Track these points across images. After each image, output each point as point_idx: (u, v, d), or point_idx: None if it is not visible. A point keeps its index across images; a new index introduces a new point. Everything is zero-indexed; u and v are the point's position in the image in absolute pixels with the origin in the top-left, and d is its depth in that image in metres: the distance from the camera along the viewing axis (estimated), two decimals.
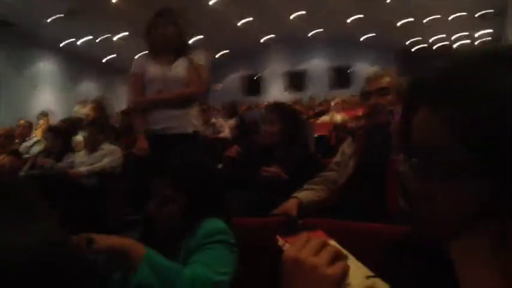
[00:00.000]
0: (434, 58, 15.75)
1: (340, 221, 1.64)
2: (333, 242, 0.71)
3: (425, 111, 0.62)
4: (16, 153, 4.77)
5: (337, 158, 2.36)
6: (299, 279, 0.64)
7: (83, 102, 13.28)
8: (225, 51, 17.78)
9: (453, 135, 0.57)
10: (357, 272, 0.67)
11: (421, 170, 0.62)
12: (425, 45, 17.27)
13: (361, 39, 17.24)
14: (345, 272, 0.63)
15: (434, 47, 17.19)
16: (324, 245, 0.66)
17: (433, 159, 0.60)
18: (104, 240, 1.28)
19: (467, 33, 15.67)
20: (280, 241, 0.78)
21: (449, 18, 13.90)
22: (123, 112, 7.79)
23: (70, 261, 0.49)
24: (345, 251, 0.70)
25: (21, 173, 4.17)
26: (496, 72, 0.56)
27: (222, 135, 5.73)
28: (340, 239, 0.75)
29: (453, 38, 16.24)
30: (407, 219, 1.74)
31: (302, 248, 0.66)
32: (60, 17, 12.79)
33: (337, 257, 0.65)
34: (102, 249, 1.26)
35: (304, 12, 14.42)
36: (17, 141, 5.37)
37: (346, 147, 2.35)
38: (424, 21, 14.36)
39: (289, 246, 0.71)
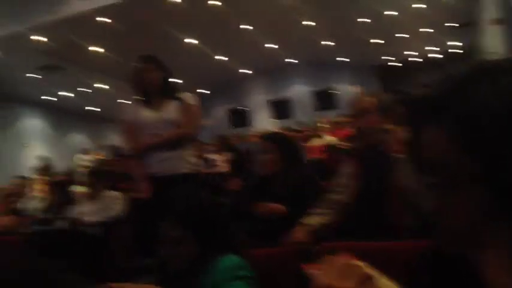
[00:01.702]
0: (415, 71, 16.06)
1: (353, 243, 1.66)
2: (358, 262, 0.71)
3: (433, 128, 0.64)
4: (15, 212, 4.74)
5: (339, 179, 2.39)
6: None
7: (84, 151, 13.49)
8: (206, 87, 17.93)
9: (458, 148, 0.59)
10: None
11: (434, 185, 0.65)
12: (400, 60, 17.54)
13: (337, 59, 17.48)
14: None
15: (411, 60, 17.45)
16: (352, 268, 0.66)
17: (444, 173, 0.62)
18: None
19: (437, 47, 16.02)
20: (307, 269, 0.79)
21: (420, 30, 14.19)
22: (115, 159, 7.81)
23: None
24: (371, 270, 0.70)
25: (25, 231, 4.14)
26: (494, 85, 0.59)
27: (216, 169, 5.75)
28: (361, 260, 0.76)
29: (426, 48, 16.53)
30: (415, 234, 1.78)
31: (331, 274, 0.66)
32: (40, 72, 12.87)
33: (366, 279, 0.66)
34: None
35: (277, 40, 14.64)
36: (13, 199, 5.32)
37: (345, 168, 2.38)
38: (396, 35, 14.63)
39: (319, 274, 0.72)
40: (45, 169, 7.77)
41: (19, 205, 5.21)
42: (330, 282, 0.65)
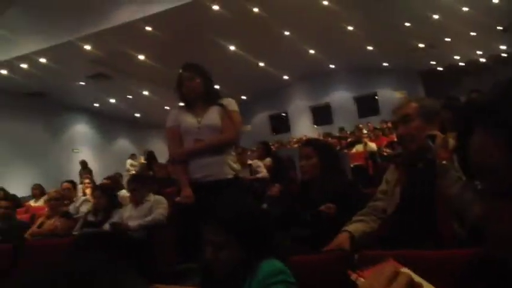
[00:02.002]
0: (464, 76, 15.61)
1: (398, 251, 1.63)
2: (405, 270, 0.70)
3: (481, 133, 0.63)
4: (67, 215, 4.93)
5: (382, 186, 2.36)
6: None
7: (133, 157, 14.08)
8: (248, 93, 18.05)
9: (508, 153, 0.58)
10: None
11: (486, 191, 0.63)
12: (447, 64, 17.09)
13: (384, 64, 17.20)
14: None
15: (461, 64, 16.97)
16: (397, 275, 0.65)
17: (496, 179, 0.61)
18: None
19: (485, 51, 15.51)
20: (353, 276, 0.79)
21: (467, 34, 13.79)
22: (161, 164, 8.00)
23: None
24: (418, 278, 0.70)
25: (74, 233, 4.30)
26: None
27: (260, 175, 5.78)
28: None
29: (474, 52, 16.03)
30: (463, 243, 1.74)
31: (378, 281, 0.65)
32: (89, 80, 13.34)
33: (411, 286, 0.65)
34: None
35: (321, 46, 14.57)
36: (65, 202, 5.54)
37: (390, 175, 2.35)
38: (446, 39, 14.27)
39: (364, 281, 0.72)
40: (90, 173, 8.05)
41: (69, 208, 5.42)
42: None
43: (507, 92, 0.63)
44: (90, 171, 8.28)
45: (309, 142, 3.06)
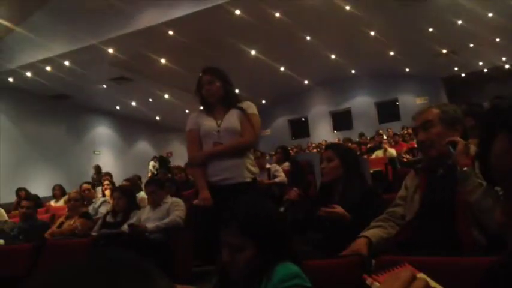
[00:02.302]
0: (487, 82, 15.38)
1: (416, 257, 1.61)
2: (422, 275, 0.69)
3: (503, 139, 0.62)
4: (86, 215, 5.00)
5: (402, 192, 2.34)
6: None
7: (156, 159, 14.38)
8: (268, 97, 18.06)
9: None
10: None
11: (506, 196, 0.62)
12: (472, 71, 16.85)
13: (406, 70, 17.04)
14: None
15: (485, 71, 16.71)
16: (413, 280, 0.64)
17: None
18: None
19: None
20: (368, 280, 0.78)
21: (497, 40, 13.57)
22: (180, 167, 8.07)
23: None
24: (435, 284, 0.68)
25: (93, 233, 4.35)
26: None
27: (278, 179, 5.77)
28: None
29: (500, 58, 15.77)
30: (483, 250, 1.70)
31: (391, 285, 0.64)
32: (111, 83, 13.53)
33: None
34: None
35: (343, 52, 14.52)
36: (85, 203, 5.62)
37: (409, 181, 2.32)
38: (471, 45, 14.07)
39: (379, 285, 0.71)
40: (110, 176, 8.15)
41: (88, 209, 5.49)
42: None
43: None
44: (109, 174, 8.38)
45: (330, 146, 3.15)
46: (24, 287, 0.45)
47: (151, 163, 14.46)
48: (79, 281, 0.45)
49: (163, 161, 11.20)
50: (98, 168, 12.25)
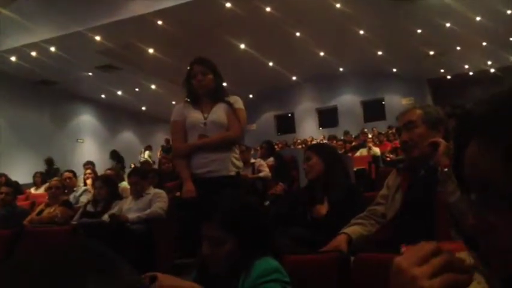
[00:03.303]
0: (472, 85, 15.54)
1: (393, 255, 1.62)
2: (463, 254, 0.66)
3: (476, 144, 0.62)
4: (67, 204, 4.94)
5: (383, 191, 2.36)
6: (397, 286, 0.61)
7: (149, 148, 14.40)
8: (254, 92, 18.05)
9: (508, 165, 0.57)
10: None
11: (479, 203, 0.62)
12: (458, 73, 17.05)
13: (393, 70, 17.17)
14: (445, 287, 0.58)
15: (470, 74, 16.90)
16: (435, 254, 0.61)
17: (490, 191, 0.59)
18: (166, 280, 1.33)
19: (498, 63, 15.45)
20: (403, 249, 0.77)
21: (484, 44, 13.73)
22: (165, 158, 8.03)
23: None
24: (470, 263, 0.65)
25: (73, 222, 4.31)
26: None
27: (262, 174, 5.77)
28: None
29: (488, 63, 15.97)
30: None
31: (410, 256, 0.61)
32: (97, 71, 13.39)
33: (446, 270, 0.59)
34: None
35: (332, 49, 14.57)
36: (66, 191, 5.55)
37: (391, 181, 2.35)
38: (457, 48, 14.22)
39: (403, 251, 0.69)
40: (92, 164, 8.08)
41: (69, 197, 5.43)
42: (401, 264, 0.61)
43: (503, 103, 0.61)
44: (92, 163, 8.30)
45: (312, 145, 3.36)
46: None
47: (147, 152, 14.42)
48: (41, 270, 0.45)
49: (115, 155, 11.03)
50: (49, 162, 11.66)
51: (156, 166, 9.96)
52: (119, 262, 0.50)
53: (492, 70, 16.44)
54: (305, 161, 2.94)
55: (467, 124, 0.66)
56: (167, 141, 14.96)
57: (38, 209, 4.99)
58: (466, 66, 16.56)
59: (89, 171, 6.79)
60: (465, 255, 0.66)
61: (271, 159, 6.58)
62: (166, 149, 13.41)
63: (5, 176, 8.27)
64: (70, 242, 0.52)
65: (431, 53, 14.77)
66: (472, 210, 0.64)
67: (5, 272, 0.46)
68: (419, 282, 0.58)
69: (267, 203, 3.07)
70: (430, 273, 0.59)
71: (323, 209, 2.69)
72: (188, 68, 3.12)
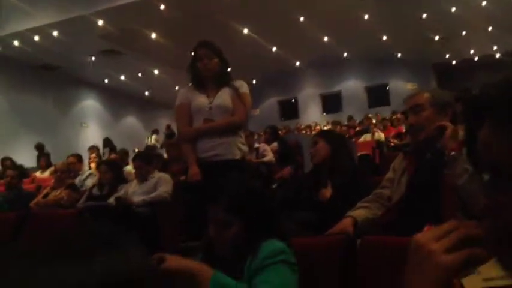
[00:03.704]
0: (478, 71, 15.43)
1: (399, 238, 1.64)
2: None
3: (490, 126, 0.61)
4: (72, 187, 4.98)
5: (389, 174, 2.36)
6: (415, 263, 0.62)
7: (156, 132, 14.45)
8: (258, 77, 17.94)
9: None
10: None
11: (492, 184, 0.62)
12: (463, 59, 16.90)
13: (396, 55, 17.03)
14: (462, 262, 0.58)
15: (476, 59, 16.76)
16: (454, 230, 0.61)
17: (504, 172, 0.59)
18: (174, 261, 1.34)
19: (504, 48, 15.30)
20: (426, 228, 0.77)
21: (489, 29, 13.59)
22: (170, 142, 8.05)
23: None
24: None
25: (79, 205, 4.34)
26: None
27: (266, 159, 5.78)
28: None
29: (494, 48, 15.82)
30: None
31: (429, 232, 0.63)
32: (100, 56, 13.34)
33: (463, 245, 0.60)
34: (171, 269, 1.32)
35: (336, 34, 14.44)
36: (71, 175, 5.59)
37: (397, 164, 2.35)
38: (463, 33, 14.08)
39: (426, 229, 0.70)
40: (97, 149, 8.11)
41: (74, 181, 5.47)
42: (419, 239, 0.63)
43: None
44: (96, 147, 8.33)
45: (319, 131, 3.32)
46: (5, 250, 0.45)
47: (154, 136, 14.45)
48: (54, 249, 0.45)
49: (108, 143, 10.99)
50: (40, 147, 11.13)
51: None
52: (128, 241, 0.50)
53: (497, 55, 16.31)
54: (312, 145, 2.98)
55: (480, 106, 0.66)
56: (168, 127, 14.97)
57: (44, 192, 5.03)
58: (472, 51, 16.41)
59: (93, 155, 6.82)
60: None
61: (275, 144, 6.58)
62: (168, 135, 13.42)
63: (11, 159, 8.31)
64: (79, 222, 0.52)
65: (437, 37, 14.64)
66: (485, 191, 0.63)
67: (16, 248, 0.46)
68: (436, 258, 0.59)
69: (274, 185, 3.07)
70: (447, 247, 0.59)
71: (327, 192, 2.71)
72: (193, 51, 3.10)
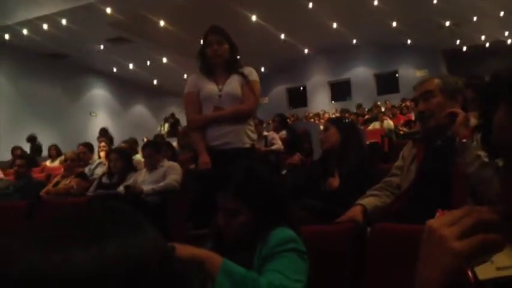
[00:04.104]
0: (489, 57, 15.24)
1: (409, 226, 1.63)
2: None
3: (505, 109, 0.61)
4: (82, 176, 5.01)
5: (399, 162, 2.35)
6: (428, 247, 0.61)
7: (167, 120, 14.45)
8: (267, 65, 17.86)
9: None
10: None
11: (506, 168, 0.61)
12: (474, 44, 16.68)
13: (406, 42, 16.85)
14: (474, 248, 0.57)
15: (486, 45, 16.53)
16: (466, 216, 0.60)
17: None
18: (184, 250, 1.34)
19: None
20: (438, 214, 0.77)
21: (501, 15, 13.39)
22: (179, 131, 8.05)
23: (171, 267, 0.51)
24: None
25: (88, 194, 4.38)
26: None
27: (274, 147, 5.77)
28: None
29: (505, 33, 15.58)
30: None
31: (442, 217, 0.62)
32: (109, 44, 13.34)
33: (477, 230, 0.59)
34: (182, 258, 1.32)
35: (345, 21, 14.32)
36: (81, 163, 5.62)
37: (407, 152, 2.33)
38: (474, 19, 13.88)
39: (437, 216, 0.69)
40: (109, 137, 8.14)
41: (84, 170, 5.50)
42: (432, 224, 0.62)
43: None
44: (108, 136, 8.37)
45: (329, 119, 3.28)
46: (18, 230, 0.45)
47: (167, 125, 14.44)
48: (69, 225, 0.45)
49: (104, 133, 10.85)
50: (32, 139, 10.85)
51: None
52: (145, 221, 0.50)
53: (509, 41, 16.09)
54: (323, 132, 2.97)
55: (496, 89, 0.65)
56: (172, 115, 14.94)
57: (54, 181, 5.06)
58: (483, 38, 16.19)
59: (103, 144, 6.84)
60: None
61: (283, 132, 6.57)
62: (172, 123, 13.39)
63: (21, 148, 8.39)
64: (94, 204, 0.52)
65: (447, 23, 14.45)
66: (500, 176, 0.63)
67: (33, 225, 0.46)
68: (448, 243, 0.58)
69: (284, 171, 3.06)
70: (459, 233, 0.58)
71: (335, 182, 2.70)
72: (202, 37, 3.07)
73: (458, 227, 0.59)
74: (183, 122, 10.06)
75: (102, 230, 0.44)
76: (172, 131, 13.42)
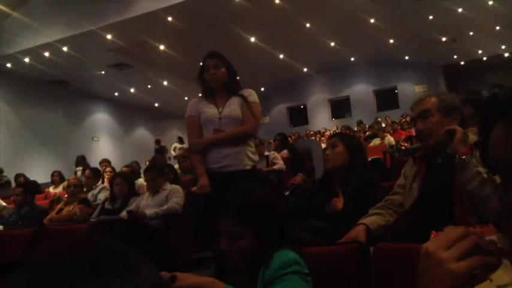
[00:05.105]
0: (487, 71, 15.33)
1: (412, 245, 1.62)
2: (493, 237, 0.65)
3: (503, 127, 0.62)
4: (85, 202, 5.01)
5: (400, 180, 2.35)
6: (426, 271, 0.62)
7: (179, 141, 14.22)
8: (266, 84, 17.97)
9: None
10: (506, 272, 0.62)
11: (504, 185, 0.62)
12: (471, 59, 16.78)
13: (405, 58, 16.96)
14: (473, 269, 0.58)
15: (484, 59, 16.63)
16: (463, 237, 0.61)
17: None
18: (186, 279, 1.34)
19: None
20: (433, 235, 0.78)
21: (497, 28, 13.50)
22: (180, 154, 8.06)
23: None
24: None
25: (92, 219, 4.37)
26: None
27: (276, 167, 5.78)
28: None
29: (502, 47, 15.69)
30: None
31: (438, 240, 0.62)
32: (110, 69, 13.45)
33: (473, 252, 0.59)
34: (185, 287, 1.31)
35: (343, 39, 14.43)
36: (84, 189, 5.62)
37: (408, 170, 2.33)
38: (470, 33, 14.00)
39: (433, 237, 0.70)
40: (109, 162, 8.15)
41: (87, 195, 5.50)
42: (429, 248, 0.62)
43: None
44: (107, 161, 8.38)
45: (335, 134, 3.29)
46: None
47: (177, 145, 14.22)
48: (60, 267, 0.45)
49: (81, 161, 10.72)
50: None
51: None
52: (140, 260, 0.49)
53: (506, 54, 16.18)
54: (329, 147, 2.87)
55: (494, 106, 0.66)
56: (180, 139, 14.91)
57: (57, 208, 5.06)
58: (480, 52, 16.29)
59: (109, 168, 6.85)
60: (495, 239, 0.64)
61: (285, 152, 6.57)
62: (158, 150, 13.24)
63: (24, 176, 8.39)
64: (88, 240, 0.51)
65: (444, 39, 14.57)
66: (497, 192, 0.64)
67: (23, 272, 0.46)
68: (446, 265, 0.59)
69: (287, 193, 3.03)
70: (457, 255, 0.59)
71: (339, 203, 2.64)
72: (201, 63, 3.12)
73: (455, 250, 0.60)
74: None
75: (97, 273, 0.44)
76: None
